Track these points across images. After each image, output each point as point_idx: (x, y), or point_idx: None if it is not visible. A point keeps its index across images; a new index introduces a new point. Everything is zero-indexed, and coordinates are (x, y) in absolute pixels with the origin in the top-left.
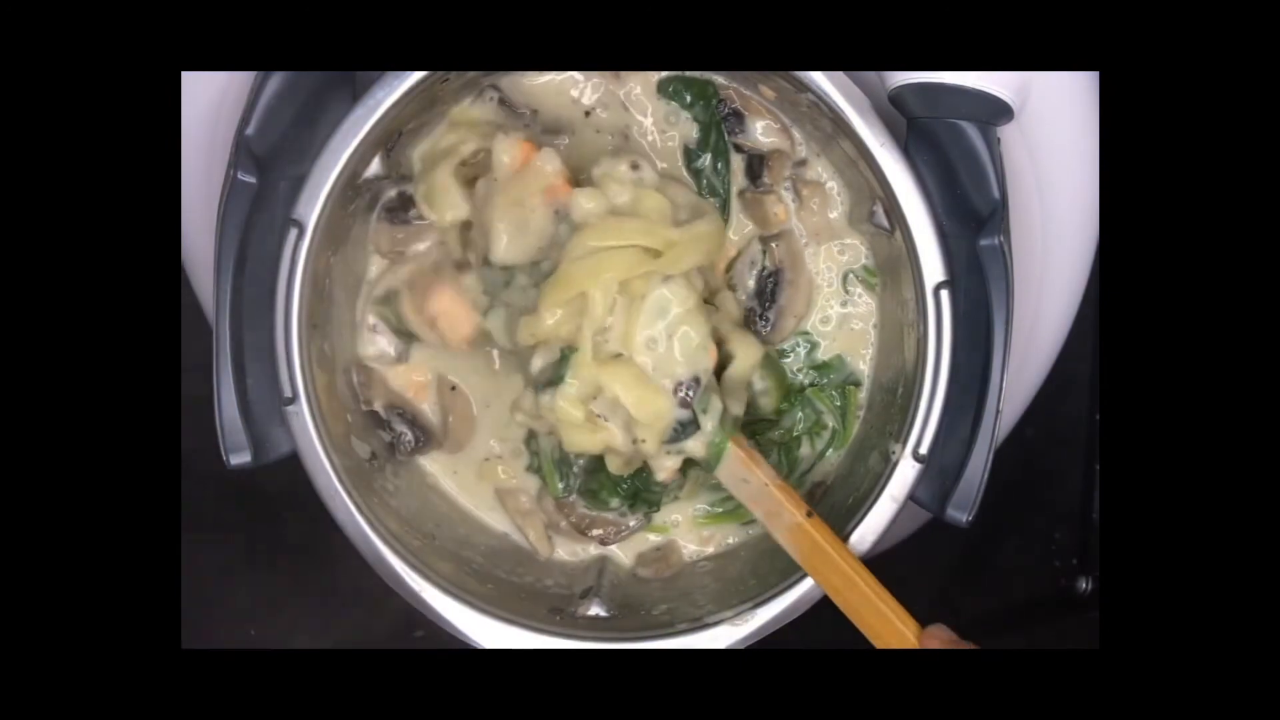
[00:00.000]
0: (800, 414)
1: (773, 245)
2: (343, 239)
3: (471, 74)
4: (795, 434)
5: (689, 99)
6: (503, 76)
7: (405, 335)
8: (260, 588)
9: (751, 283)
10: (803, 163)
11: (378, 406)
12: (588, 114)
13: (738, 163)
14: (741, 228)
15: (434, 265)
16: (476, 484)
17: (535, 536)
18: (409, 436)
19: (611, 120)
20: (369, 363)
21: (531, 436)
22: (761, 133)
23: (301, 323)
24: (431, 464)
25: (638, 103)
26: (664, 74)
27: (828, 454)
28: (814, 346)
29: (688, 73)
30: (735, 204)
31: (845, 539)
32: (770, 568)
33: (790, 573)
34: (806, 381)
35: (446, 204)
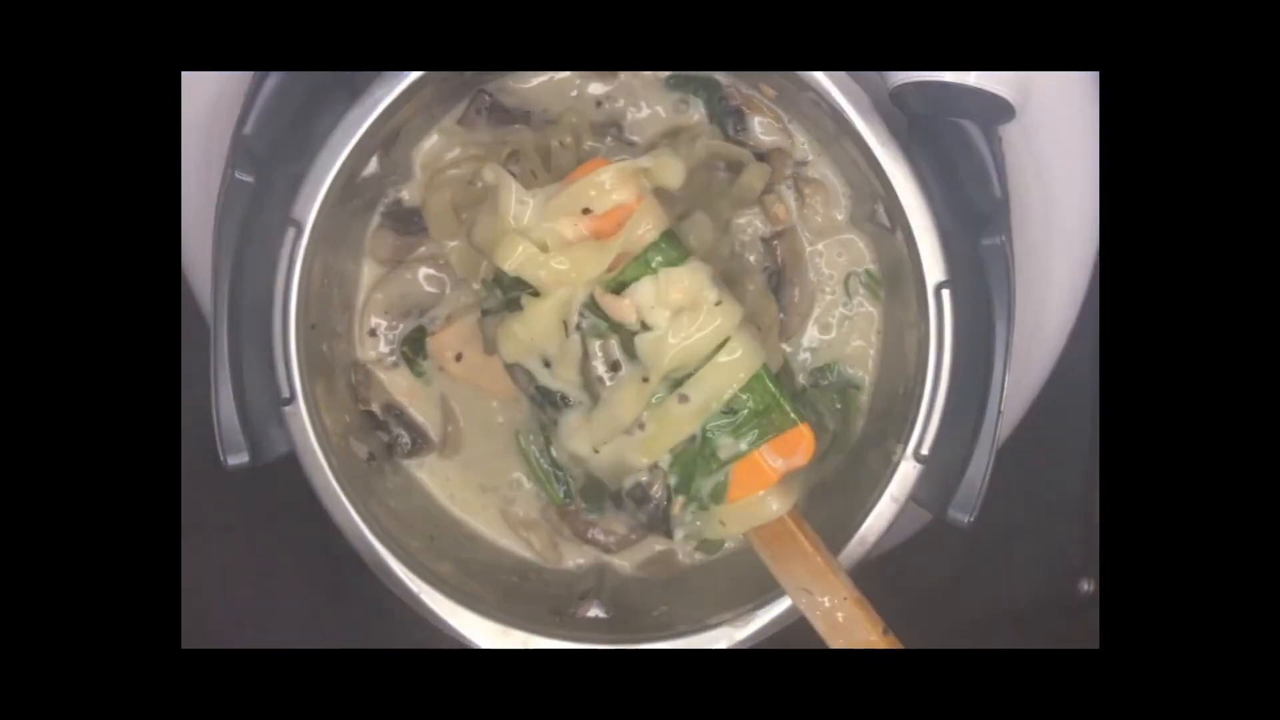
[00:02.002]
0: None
1: (775, 244)
2: (341, 239)
3: (468, 76)
4: None
5: (692, 92)
6: (494, 79)
7: (418, 363)
8: (259, 588)
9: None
10: (804, 162)
11: (375, 408)
12: (599, 104)
13: None
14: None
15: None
16: (479, 503)
17: (542, 546)
18: (406, 439)
19: (609, 118)
20: (368, 365)
21: (519, 442)
22: (762, 131)
23: (299, 323)
24: (430, 478)
25: (647, 98)
26: (665, 74)
27: (829, 457)
28: (815, 350)
29: (689, 72)
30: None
31: (846, 540)
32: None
33: None
34: (807, 384)
35: (444, 230)
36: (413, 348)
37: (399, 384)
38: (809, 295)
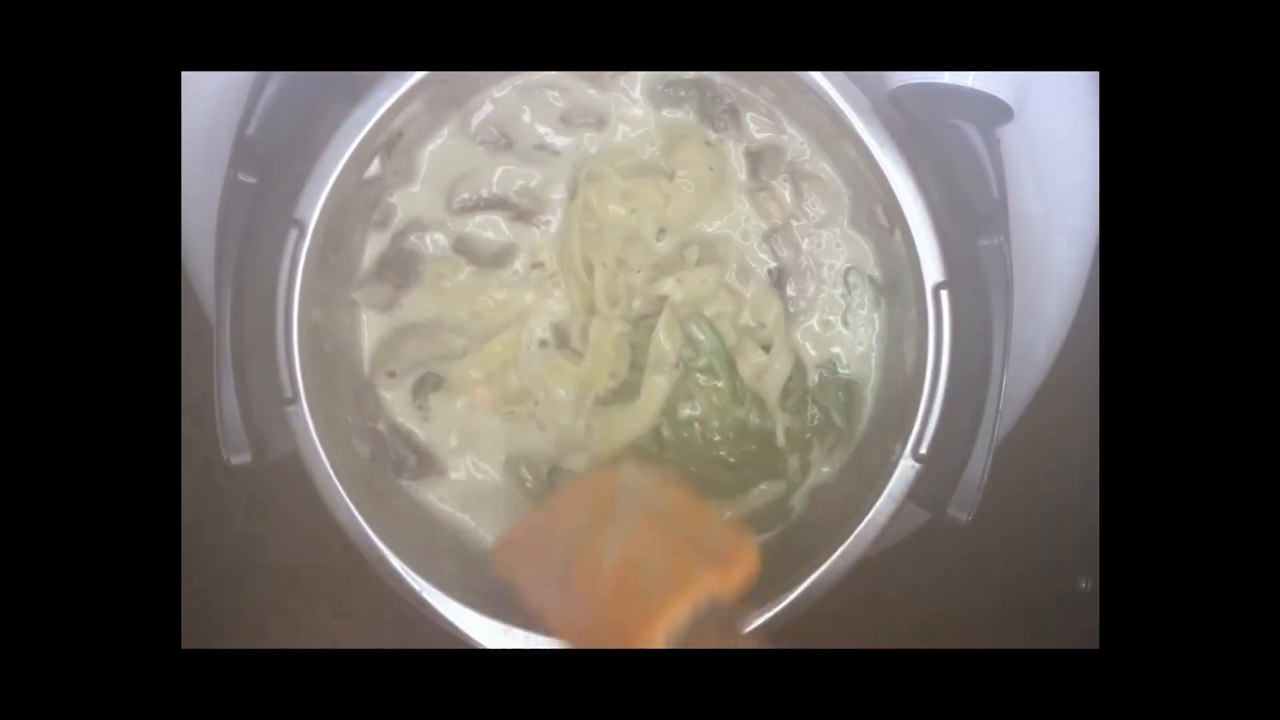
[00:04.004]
0: (810, 413)
1: (775, 241)
2: (343, 240)
3: (470, 77)
4: (806, 435)
5: (682, 96)
6: (496, 80)
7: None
8: (260, 588)
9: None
10: (802, 161)
11: (381, 427)
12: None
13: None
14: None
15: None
16: (482, 528)
17: None
18: (412, 460)
19: (598, 117)
20: (374, 385)
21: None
22: (756, 129)
23: (302, 323)
24: (431, 493)
25: (633, 104)
26: (663, 79)
27: (832, 454)
28: (817, 347)
29: (688, 74)
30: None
31: (845, 539)
32: (769, 570)
33: (789, 574)
34: (812, 381)
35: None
36: (421, 381)
37: (404, 408)
38: (809, 294)
